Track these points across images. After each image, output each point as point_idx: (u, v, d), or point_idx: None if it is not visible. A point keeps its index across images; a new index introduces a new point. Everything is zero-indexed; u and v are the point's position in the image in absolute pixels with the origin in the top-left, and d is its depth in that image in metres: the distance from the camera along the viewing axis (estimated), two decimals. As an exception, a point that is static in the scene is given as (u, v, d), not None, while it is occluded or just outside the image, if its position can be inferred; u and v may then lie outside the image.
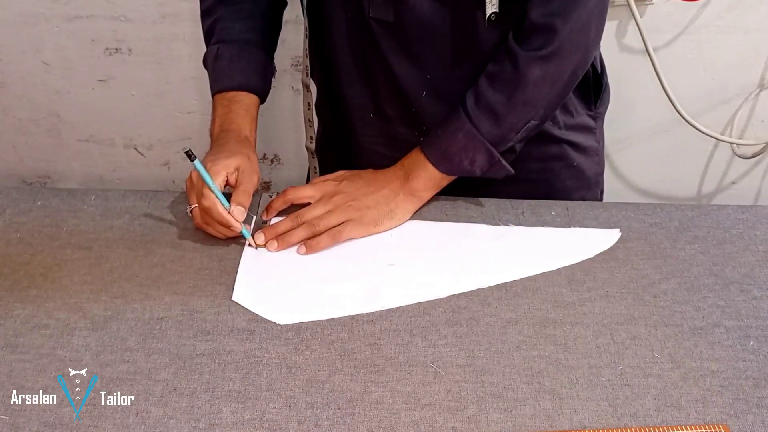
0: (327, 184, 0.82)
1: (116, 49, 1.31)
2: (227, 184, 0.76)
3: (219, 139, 0.80)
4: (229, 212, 0.73)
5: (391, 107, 0.84)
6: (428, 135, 0.81)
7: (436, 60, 0.79)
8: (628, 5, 1.13)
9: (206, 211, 0.74)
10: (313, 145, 0.92)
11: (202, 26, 0.87)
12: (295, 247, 0.77)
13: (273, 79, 0.88)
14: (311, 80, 0.89)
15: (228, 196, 0.75)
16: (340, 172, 0.85)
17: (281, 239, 0.76)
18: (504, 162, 0.79)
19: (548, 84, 0.75)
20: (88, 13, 1.26)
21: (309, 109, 0.89)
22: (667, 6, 1.21)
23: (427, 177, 0.80)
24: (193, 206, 0.76)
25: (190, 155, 0.72)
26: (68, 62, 1.33)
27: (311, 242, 0.76)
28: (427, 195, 0.81)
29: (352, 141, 0.90)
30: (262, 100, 0.86)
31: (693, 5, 1.21)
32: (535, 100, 0.76)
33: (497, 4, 0.73)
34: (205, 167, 0.73)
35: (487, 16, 0.73)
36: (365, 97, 0.85)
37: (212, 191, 0.73)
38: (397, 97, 0.83)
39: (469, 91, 0.77)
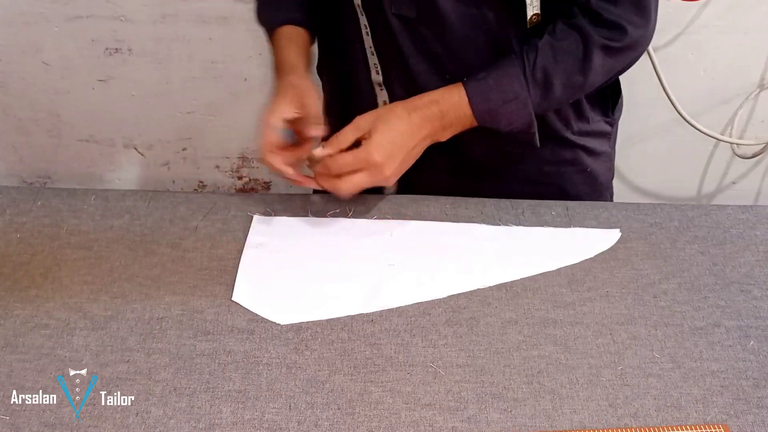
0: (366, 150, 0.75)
1: (116, 49, 1.31)
2: (290, 120, 0.76)
3: (275, 81, 0.80)
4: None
5: None
6: (477, 84, 0.75)
7: (456, 60, 0.78)
8: (628, 5, 1.13)
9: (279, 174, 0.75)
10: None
11: None
12: (295, 248, 0.76)
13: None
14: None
15: None
16: (369, 120, 0.76)
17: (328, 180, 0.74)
18: (537, 136, 0.78)
19: (603, 74, 0.76)
20: (88, 13, 1.26)
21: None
22: (667, 6, 1.21)
23: (461, 125, 0.77)
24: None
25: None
26: (68, 62, 1.33)
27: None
28: (447, 138, 0.79)
29: None
30: (311, 33, 0.85)
31: (693, 5, 1.21)
32: (587, 86, 0.76)
33: (538, 6, 0.72)
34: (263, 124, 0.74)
35: (528, 17, 0.73)
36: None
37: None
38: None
39: (528, 49, 0.74)
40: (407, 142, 0.75)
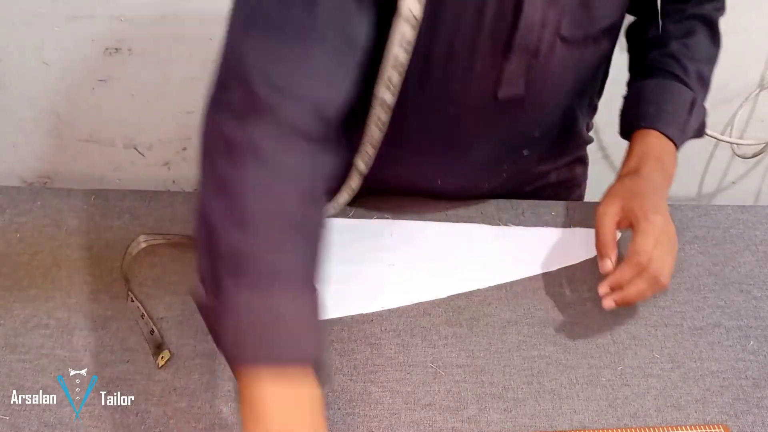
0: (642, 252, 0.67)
1: (116, 49, 1.31)
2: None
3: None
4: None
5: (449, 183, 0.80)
6: (656, 119, 0.74)
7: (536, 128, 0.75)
8: (628, 5, 1.13)
9: None
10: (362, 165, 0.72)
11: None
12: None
13: None
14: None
15: None
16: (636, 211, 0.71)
17: (621, 297, 0.65)
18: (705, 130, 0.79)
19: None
20: (88, 13, 1.26)
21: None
22: (667, 6, 1.21)
23: (672, 160, 0.75)
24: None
25: None
26: (68, 62, 1.33)
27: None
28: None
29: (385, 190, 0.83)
30: None
31: (693, 5, 1.21)
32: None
33: None
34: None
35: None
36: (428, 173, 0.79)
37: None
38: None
39: (675, 64, 0.76)
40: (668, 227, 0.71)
